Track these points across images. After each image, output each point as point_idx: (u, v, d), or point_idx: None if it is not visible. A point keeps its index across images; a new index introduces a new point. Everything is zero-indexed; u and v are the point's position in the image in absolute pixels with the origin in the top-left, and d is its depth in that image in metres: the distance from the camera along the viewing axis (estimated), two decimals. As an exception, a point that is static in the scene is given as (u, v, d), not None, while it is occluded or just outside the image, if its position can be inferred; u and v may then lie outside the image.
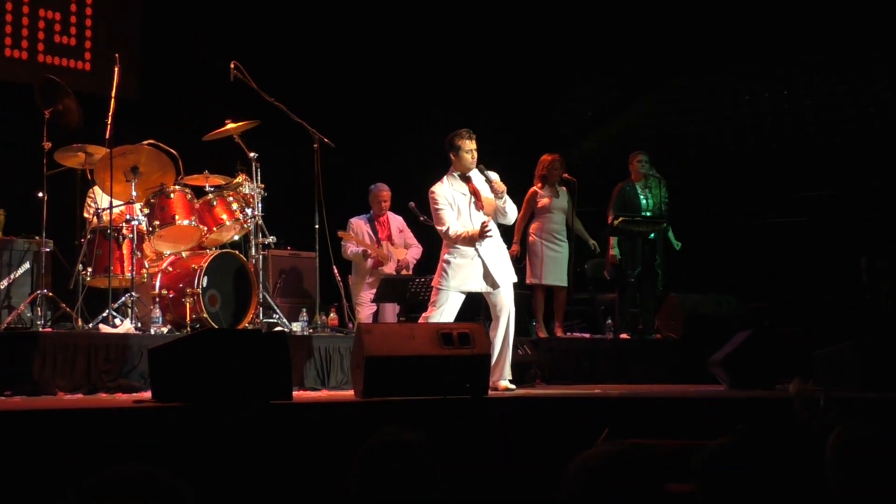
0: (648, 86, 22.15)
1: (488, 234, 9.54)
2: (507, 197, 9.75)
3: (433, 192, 9.71)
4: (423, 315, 9.79)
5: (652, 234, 13.24)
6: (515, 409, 8.76)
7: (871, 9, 18.81)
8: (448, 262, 9.64)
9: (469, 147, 9.68)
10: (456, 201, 9.68)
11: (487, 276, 9.62)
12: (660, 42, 20.05)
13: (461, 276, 9.59)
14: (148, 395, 8.09)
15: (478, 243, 9.55)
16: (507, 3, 17.00)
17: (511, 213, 9.88)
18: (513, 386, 9.65)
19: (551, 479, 7.70)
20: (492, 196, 9.70)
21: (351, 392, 8.84)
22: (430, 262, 12.48)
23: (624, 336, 12.97)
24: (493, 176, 9.74)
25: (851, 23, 18.95)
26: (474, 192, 9.72)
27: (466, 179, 9.73)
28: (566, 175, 12.84)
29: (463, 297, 9.67)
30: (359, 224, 12.73)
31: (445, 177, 9.78)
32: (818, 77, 19.89)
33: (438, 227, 9.69)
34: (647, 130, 20.30)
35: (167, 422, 6.94)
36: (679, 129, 20.41)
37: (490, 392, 9.29)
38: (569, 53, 19.19)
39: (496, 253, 9.70)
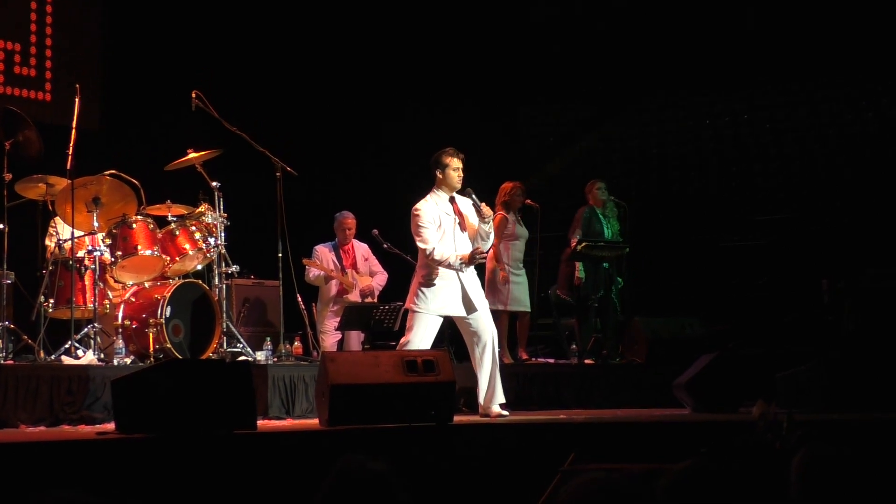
0: (610, 111, 22.30)
1: (483, 258, 9.56)
2: (491, 222, 9.74)
3: (417, 210, 9.57)
4: (402, 340, 9.69)
5: (606, 263, 13.26)
6: (482, 435, 8.73)
7: (829, 35, 18.94)
8: (426, 285, 9.55)
9: (456, 165, 9.62)
10: (441, 222, 9.60)
11: (466, 300, 9.54)
12: (622, 67, 20.14)
13: (441, 299, 9.51)
14: (111, 426, 8.04)
15: (465, 268, 9.53)
16: (468, 34, 17.02)
17: (491, 238, 9.87)
18: (506, 413, 9.59)
19: (521, 498, 7.70)
20: (475, 220, 9.66)
21: (316, 421, 8.81)
22: (394, 289, 12.48)
23: (588, 361, 12.97)
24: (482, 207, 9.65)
25: (808, 48, 19.06)
26: (458, 214, 9.67)
27: (451, 200, 9.68)
28: (529, 201, 12.87)
29: (441, 320, 9.61)
30: (323, 252, 12.72)
31: (430, 195, 9.68)
32: (778, 100, 20.01)
33: (422, 247, 9.52)
34: (609, 154, 20.40)
35: (130, 453, 6.90)
36: (641, 153, 20.50)
37: (479, 417, 9.34)
38: (531, 80, 19.28)
39: (473, 277, 9.67)
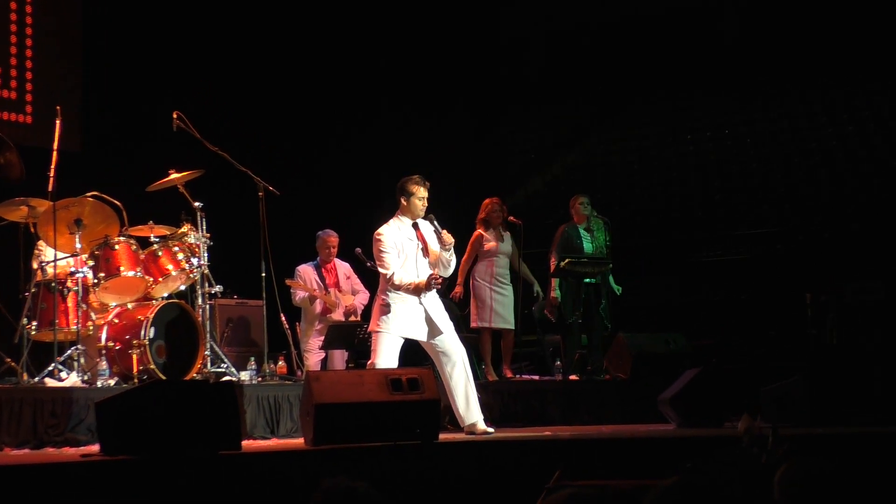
0: (592, 127, 22.41)
1: (437, 286, 9.59)
2: (452, 249, 9.78)
3: (379, 235, 9.65)
4: (368, 363, 9.73)
5: (589, 279, 13.26)
6: (467, 452, 8.74)
7: (810, 50, 19.03)
8: (387, 306, 9.60)
9: (421, 195, 9.69)
10: (403, 247, 9.65)
11: (430, 324, 9.61)
12: (604, 82, 20.22)
13: (401, 321, 9.56)
14: (96, 448, 8.04)
15: (423, 294, 9.55)
16: (447, 53, 17.08)
17: (452, 265, 9.91)
18: (491, 429, 9.64)
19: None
20: (436, 246, 9.69)
21: (301, 440, 8.81)
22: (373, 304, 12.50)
23: (573, 377, 12.98)
24: (443, 233, 9.72)
25: (789, 63, 19.16)
26: (421, 240, 9.71)
27: (415, 226, 9.72)
28: (511, 218, 12.92)
29: (402, 341, 9.63)
30: (306, 271, 12.73)
31: (393, 220, 9.75)
32: (759, 115, 20.11)
33: (382, 272, 9.62)
34: (591, 170, 20.46)
35: (116, 475, 6.89)
36: (623, 169, 20.57)
37: (468, 436, 9.39)
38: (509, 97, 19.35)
39: (435, 300, 9.71)
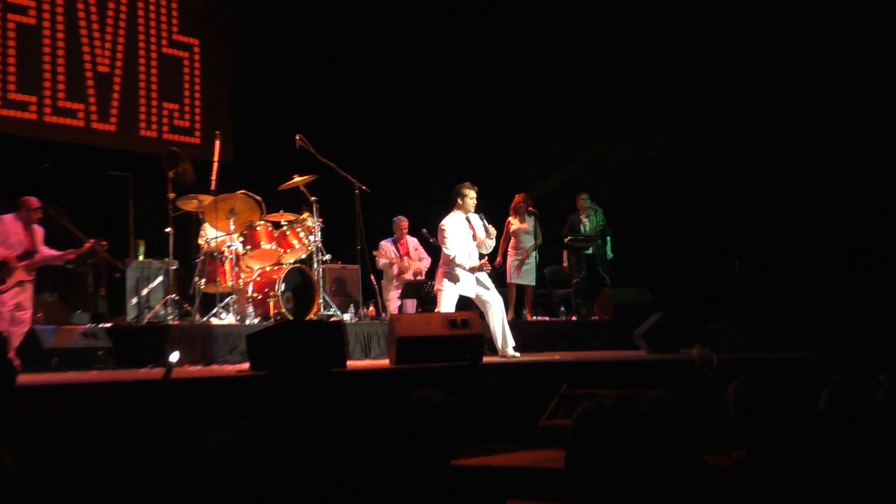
0: (590, 138, 22.25)
1: (485, 270, 9.64)
2: (494, 238, 9.91)
3: (444, 226, 9.70)
4: (435, 310, 9.79)
5: (590, 249, 13.36)
6: (502, 370, 8.80)
7: (762, 68, 18.74)
8: (447, 275, 9.67)
9: (472, 195, 9.74)
10: (461, 234, 9.69)
11: (477, 284, 9.68)
12: (599, 100, 20.01)
13: (457, 283, 9.63)
14: (246, 366, 8.12)
15: (472, 272, 9.63)
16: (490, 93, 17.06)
17: (492, 247, 9.98)
18: (517, 354, 9.68)
19: (529, 415, 7.69)
20: (482, 234, 9.73)
21: (386, 361, 8.89)
22: (436, 270, 12.54)
23: (573, 318, 13.01)
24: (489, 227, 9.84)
25: (744, 79, 18.88)
26: (472, 229, 9.76)
27: (467, 219, 9.75)
28: (531, 208, 12.99)
29: (458, 296, 9.68)
30: (386, 245, 12.80)
31: (452, 214, 9.77)
32: (700, 131, 19.90)
33: (446, 252, 9.66)
34: (588, 174, 20.31)
35: (260, 385, 6.99)
36: (612, 174, 20.45)
37: (499, 358, 9.44)
38: (532, 120, 19.27)
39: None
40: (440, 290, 9.69)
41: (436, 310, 9.72)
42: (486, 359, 8.96)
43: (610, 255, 13.56)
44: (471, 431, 5.49)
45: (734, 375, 7.26)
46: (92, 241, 9.58)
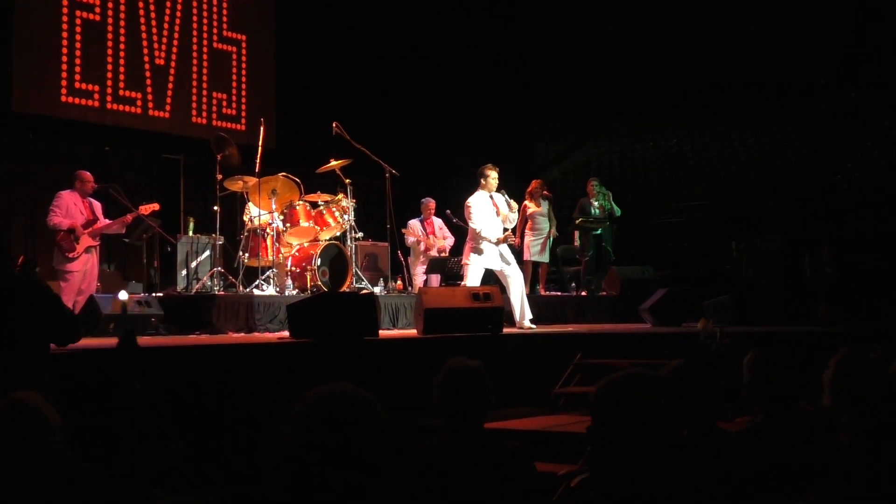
0: (590, 137, 22.19)
1: (510, 241, 9.48)
2: (516, 212, 9.68)
3: (469, 203, 9.50)
4: (461, 283, 9.58)
5: (599, 230, 13.10)
6: (519, 341, 8.58)
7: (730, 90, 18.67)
8: (474, 250, 9.42)
9: (494, 175, 9.54)
10: (485, 211, 9.45)
11: (501, 258, 9.44)
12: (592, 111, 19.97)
13: (483, 257, 9.39)
14: (286, 333, 7.95)
15: (496, 243, 9.39)
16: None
17: (514, 222, 9.77)
18: (533, 326, 9.47)
19: (543, 382, 7.47)
20: (505, 210, 9.50)
21: (414, 331, 8.70)
22: (459, 248, 12.32)
23: (583, 293, 12.78)
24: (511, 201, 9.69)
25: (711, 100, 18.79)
26: (495, 206, 9.52)
27: (490, 197, 9.53)
28: (546, 192, 12.79)
29: (483, 270, 9.46)
30: (414, 224, 12.55)
31: (477, 193, 9.57)
32: (696, 135, 19.81)
33: (473, 227, 9.43)
34: (591, 165, 20.21)
35: (300, 351, 6.80)
36: (613, 167, 20.32)
37: (517, 329, 9.19)
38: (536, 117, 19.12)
39: (504, 246, 9.53)
40: (467, 264, 9.47)
41: (462, 283, 9.51)
42: (505, 329, 8.74)
43: (618, 210, 13.21)
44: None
45: (736, 348, 7.05)
46: (144, 208, 9.47)
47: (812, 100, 19.79)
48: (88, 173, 9.31)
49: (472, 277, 9.34)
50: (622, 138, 21.72)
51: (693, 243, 15.48)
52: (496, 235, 9.39)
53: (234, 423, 5.76)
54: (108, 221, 9.35)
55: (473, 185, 9.74)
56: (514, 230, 10.37)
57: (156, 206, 9.65)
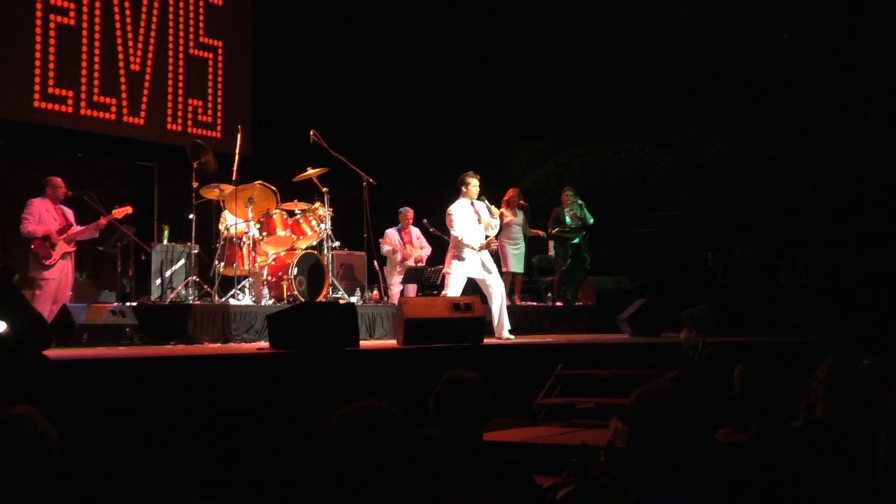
0: (560, 147, 22.24)
1: (492, 248, 9.43)
2: (498, 218, 9.61)
3: (450, 211, 9.44)
4: (443, 293, 9.51)
5: (576, 240, 13.04)
6: (500, 351, 8.53)
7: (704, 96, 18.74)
8: (457, 257, 9.36)
9: (475, 183, 9.50)
10: (467, 219, 9.40)
11: (483, 267, 9.39)
12: (571, 115, 20.00)
13: (465, 266, 9.34)
14: (262, 343, 7.87)
15: (481, 250, 9.33)
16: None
17: (496, 228, 9.69)
18: (511, 336, 9.41)
19: (524, 393, 7.41)
20: (487, 217, 9.46)
21: (393, 341, 8.62)
22: (436, 258, 12.31)
23: (559, 303, 12.75)
24: (492, 207, 9.69)
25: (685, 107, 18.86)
26: (476, 213, 9.47)
27: (472, 204, 9.48)
28: (522, 202, 12.74)
29: (466, 279, 9.41)
30: (391, 233, 12.48)
31: (458, 201, 9.53)
32: (667, 141, 19.85)
33: (454, 234, 9.37)
34: (568, 172, 20.20)
35: (279, 362, 6.71)
36: (583, 172, 20.33)
37: (496, 340, 9.12)
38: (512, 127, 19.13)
39: (486, 253, 9.48)
40: (448, 273, 9.42)
41: (443, 292, 9.45)
42: (485, 340, 8.68)
43: (591, 220, 13.16)
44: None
45: (718, 359, 7.04)
46: (117, 211, 9.40)
47: (784, 106, 19.92)
48: (59, 179, 9.24)
49: (454, 287, 9.28)
50: (594, 147, 21.77)
51: (667, 253, 15.54)
52: (478, 242, 9.34)
53: (216, 434, 5.67)
54: (81, 227, 9.25)
55: (453, 193, 9.70)
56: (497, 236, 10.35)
57: (129, 209, 9.58)
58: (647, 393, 2.47)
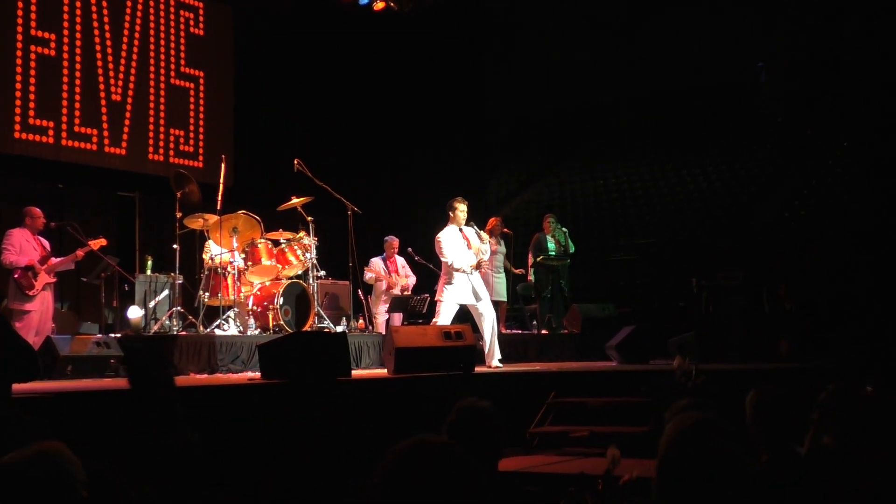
0: (538, 175, 22.36)
1: (479, 270, 9.37)
2: (487, 243, 9.57)
3: (439, 238, 9.36)
4: (433, 320, 9.43)
5: (558, 267, 13.02)
6: (491, 380, 8.47)
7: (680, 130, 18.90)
8: (448, 284, 9.30)
9: (462, 208, 9.44)
10: (456, 244, 9.35)
11: (474, 294, 9.32)
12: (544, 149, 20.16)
13: (456, 293, 9.26)
14: (251, 374, 7.77)
15: (473, 271, 9.28)
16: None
17: (486, 254, 9.63)
18: (501, 365, 9.33)
19: (516, 421, 7.34)
20: (476, 243, 9.42)
21: (381, 370, 8.54)
22: (421, 287, 12.26)
23: (544, 331, 12.70)
24: (481, 233, 9.63)
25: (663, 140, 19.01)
26: (465, 239, 9.43)
27: (460, 231, 9.44)
28: (505, 230, 12.75)
29: (458, 307, 9.34)
30: (376, 262, 12.38)
31: (447, 228, 9.46)
32: (637, 170, 20.00)
33: (444, 260, 9.29)
34: (542, 202, 20.29)
35: (272, 392, 6.62)
36: (562, 202, 20.42)
37: (485, 369, 9.04)
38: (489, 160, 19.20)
39: (478, 279, 9.43)
40: (440, 300, 9.33)
41: (434, 320, 9.37)
42: (476, 368, 8.61)
43: (572, 248, 13.13)
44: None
45: (711, 386, 7.01)
46: (93, 243, 9.28)
47: (764, 136, 20.14)
48: (38, 209, 9.15)
49: (445, 315, 9.20)
50: (573, 175, 21.92)
51: (648, 280, 15.56)
52: (469, 264, 9.29)
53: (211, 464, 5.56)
54: (60, 258, 9.16)
55: (433, 221, 9.66)
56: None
57: (103, 242, 9.47)
58: (684, 424, 2.42)
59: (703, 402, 3.80)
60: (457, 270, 9.21)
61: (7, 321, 4.48)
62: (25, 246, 8.88)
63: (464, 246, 9.37)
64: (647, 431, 6.94)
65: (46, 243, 9.17)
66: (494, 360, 9.29)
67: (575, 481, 4.24)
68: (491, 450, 3.42)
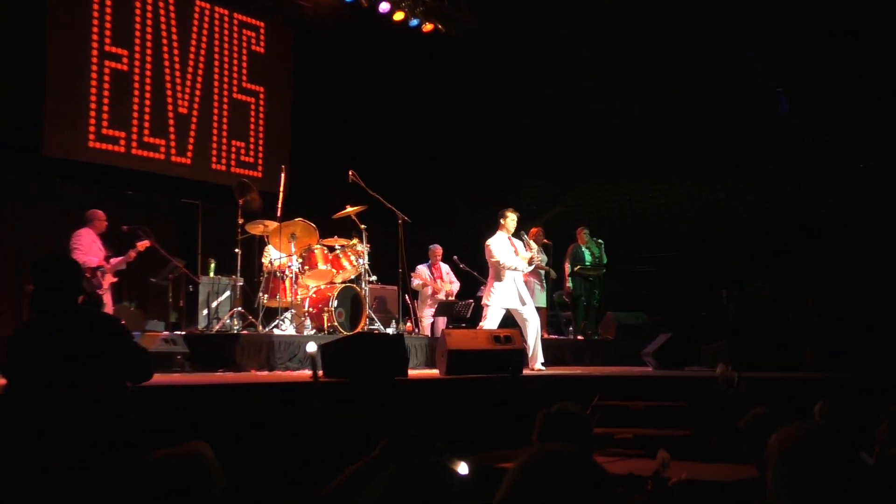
0: (567, 190, 22.18)
1: (534, 265, 9.40)
2: (533, 251, 9.51)
3: (489, 243, 9.35)
4: (479, 324, 9.34)
5: (593, 278, 12.89)
6: (537, 382, 8.35)
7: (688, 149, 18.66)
8: (495, 288, 9.22)
9: (513, 218, 9.40)
10: (506, 249, 9.29)
11: (519, 298, 9.24)
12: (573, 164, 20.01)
13: (503, 297, 9.18)
14: (306, 372, 7.68)
15: (526, 268, 9.31)
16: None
17: (533, 265, 9.62)
18: (543, 368, 9.23)
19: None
20: (524, 253, 9.34)
21: (430, 371, 8.44)
22: (464, 293, 12.18)
23: (580, 337, 12.57)
24: (530, 241, 9.59)
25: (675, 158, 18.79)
26: (513, 246, 9.34)
27: (509, 239, 9.36)
28: (545, 240, 12.60)
29: (504, 311, 9.23)
30: (422, 269, 12.34)
31: (496, 234, 9.46)
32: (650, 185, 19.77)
33: (494, 261, 9.27)
34: (570, 215, 20.09)
35: (333, 391, 6.52)
36: (589, 215, 20.23)
37: (528, 371, 8.93)
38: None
39: (523, 285, 9.34)
40: (487, 305, 9.27)
41: (480, 324, 9.28)
42: (525, 371, 8.50)
43: (605, 259, 13.02)
44: (511, 435, 5.04)
45: (753, 394, 6.83)
46: (140, 244, 9.43)
47: (787, 150, 19.80)
48: (102, 212, 9.22)
49: (492, 319, 9.13)
50: (599, 190, 21.71)
51: (675, 291, 15.34)
52: (521, 264, 9.22)
53: (281, 460, 5.48)
54: (118, 259, 9.28)
55: (476, 230, 9.59)
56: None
57: (147, 243, 9.51)
58: (796, 432, 2.28)
59: (776, 411, 3.65)
60: (509, 269, 9.12)
61: (126, 327, 4.42)
62: (93, 246, 8.95)
63: (511, 252, 9.30)
64: (690, 435, 6.79)
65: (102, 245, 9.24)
66: (538, 363, 9.18)
67: (623, 482, 4.11)
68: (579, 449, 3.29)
